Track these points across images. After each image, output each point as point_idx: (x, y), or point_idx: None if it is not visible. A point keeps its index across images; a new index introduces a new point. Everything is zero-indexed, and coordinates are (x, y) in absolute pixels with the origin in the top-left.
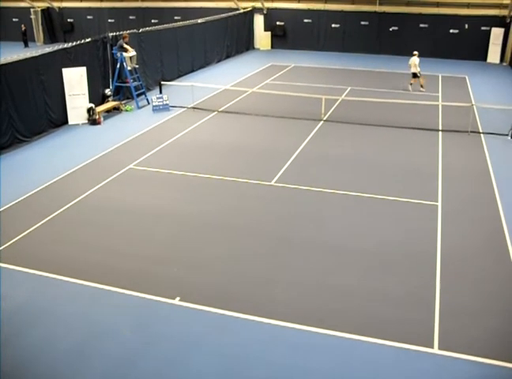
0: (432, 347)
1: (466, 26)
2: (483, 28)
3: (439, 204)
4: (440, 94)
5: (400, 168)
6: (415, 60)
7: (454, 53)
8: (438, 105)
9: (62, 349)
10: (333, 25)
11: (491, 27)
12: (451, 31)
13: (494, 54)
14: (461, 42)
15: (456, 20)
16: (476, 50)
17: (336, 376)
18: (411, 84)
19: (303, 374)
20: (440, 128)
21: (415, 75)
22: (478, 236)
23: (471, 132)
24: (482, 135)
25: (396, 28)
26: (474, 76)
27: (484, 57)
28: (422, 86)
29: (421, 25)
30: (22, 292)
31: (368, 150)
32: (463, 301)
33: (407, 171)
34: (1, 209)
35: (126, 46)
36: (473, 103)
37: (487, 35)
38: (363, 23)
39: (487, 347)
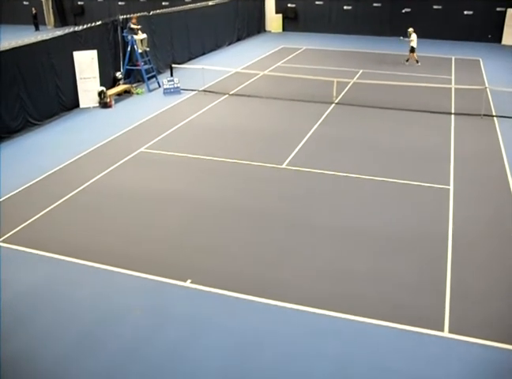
0: (443, 330)
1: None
2: (498, 9)
3: (451, 187)
4: (453, 77)
5: (413, 151)
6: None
7: (468, 35)
8: (451, 88)
9: (74, 331)
10: (345, 7)
11: (507, 8)
12: (465, 12)
13: (509, 36)
14: (475, 23)
15: (470, 1)
16: (490, 32)
17: (347, 359)
18: (408, 59)
19: (313, 357)
20: (453, 111)
21: (413, 50)
22: (490, 220)
23: (484, 115)
24: (495, 118)
25: (409, 9)
26: (488, 58)
27: (499, 39)
28: (408, 60)
29: (435, 7)
30: (34, 274)
31: (380, 133)
32: (474, 284)
33: (419, 155)
34: (14, 193)
35: (133, 26)
36: (487, 85)
37: (502, 17)
38: (375, 4)
39: (498, 330)
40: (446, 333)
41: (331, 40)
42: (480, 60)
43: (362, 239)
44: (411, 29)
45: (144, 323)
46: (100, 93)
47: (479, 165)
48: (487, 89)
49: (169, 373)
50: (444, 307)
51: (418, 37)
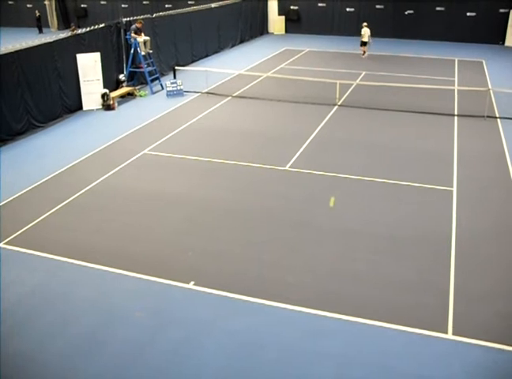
0: (446, 332)
1: None
2: (501, 11)
3: (454, 189)
4: (456, 78)
5: (415, 153)
6: (368, 31)
7: (471, 36)
8: (454, 89)
9: (75, 333)
10: (348, 9)
11: (510, 9)
12: (468, 14)
13: None
14: (478, 25)
15: (473, 2)
16: (493, 34)
17: (349, 360)
18: (364, 52)
19: (316, 358)
20: (456, 113)
21: (365, 43)
22: (493, 222)
23: (487, 117)
24: (498, 120)
25: (411, 11)
26: (491, 60)
27: (502, 40)
28: (364, 52)
29: (437, 8)
30: (37, 276)
31: (383, 135)
32: (478, 286)
33: (422, 156)
34: (17, 195)
35: (135, 35)
36: (490, 87)
37: (505, 18)
38: (378, 6)
39: (501, 332)
40: (449, 335)
41: (334, 42)
42: (483, 61)
43: (365, 240)
44: (364, 23)
45: (146, 325)
46: (104, 95)
47: (482, 166)
48: (491, 91)
49: (171, 375)
50: (447, 309)
51: (421, 39)
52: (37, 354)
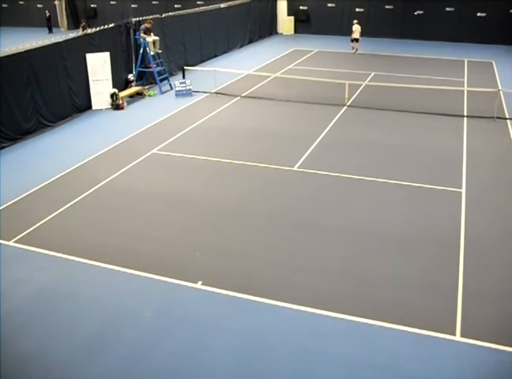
0: (454, 334)
1: None
2: None
3: (463, 190)
4: (466, 79)
5: (425, 154)
6: (359, 28)
7: (481, 37)
8: (463, 90)
9: (82, 333)
10: (357, 9)
11: None
12: (478, 14)
13: None
14: (488, 25)
15: (483, 3)
16: (504, 34)
17: (357, 361)
18: (354, 48)
19: (324, 359)
20: (465, 114)
21: (357, 40)
22: (502, 223)
23: (497, 118)
24: (508, 121)
25: (421, 11)
26: (501, 61)
27: None
28: (357, 49)
29: (447, 9)
30: (45, 275)
31: (392, 136)
32: (486, 288)
33: (431, 158)
34: (26, 194)
35: (144, 36)
36: (500, 88)
37: None
38: (387, 7)
39: (511, 334)
40: (457, 337)
41: (343, 42)
42: (493, 62)
43: (374, 241)
44: (355, 21)
45: (154, 325)
46: (113, 95)
47: (491, 168)
48: (501, 92)
49: (179, 376)
50: (456, 311)
51: (430, 40)
52: (42, 355)
